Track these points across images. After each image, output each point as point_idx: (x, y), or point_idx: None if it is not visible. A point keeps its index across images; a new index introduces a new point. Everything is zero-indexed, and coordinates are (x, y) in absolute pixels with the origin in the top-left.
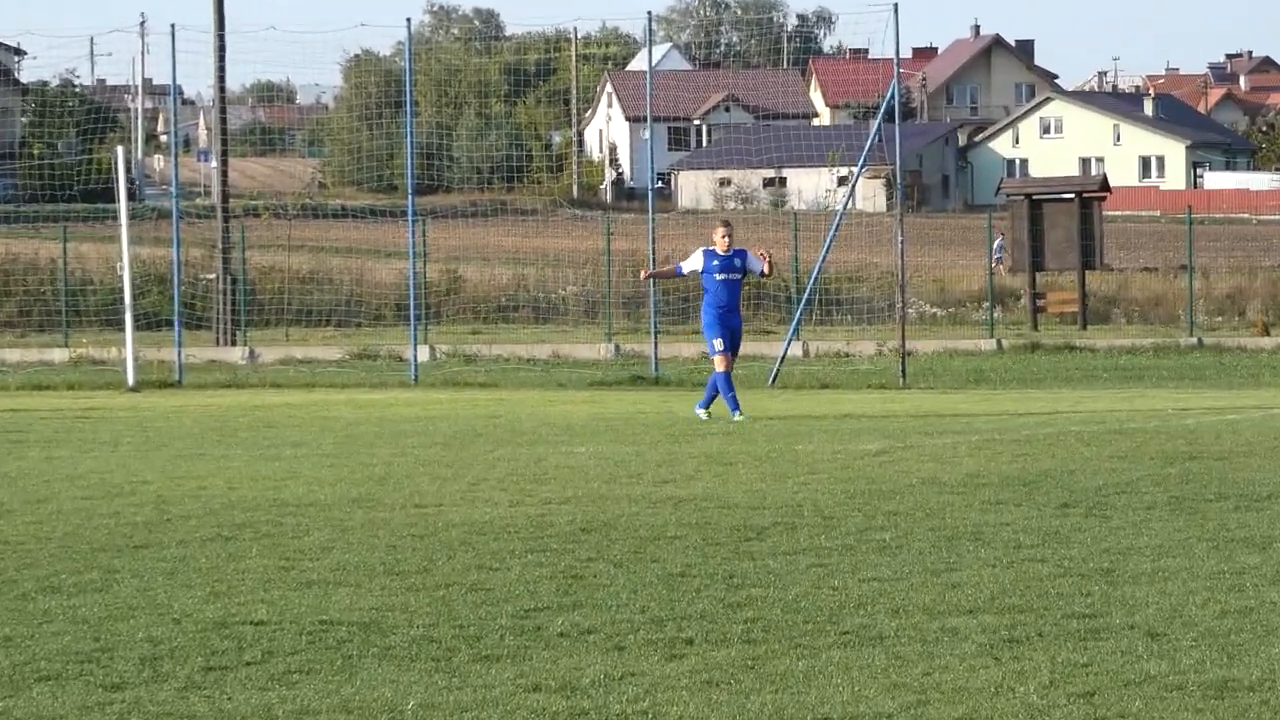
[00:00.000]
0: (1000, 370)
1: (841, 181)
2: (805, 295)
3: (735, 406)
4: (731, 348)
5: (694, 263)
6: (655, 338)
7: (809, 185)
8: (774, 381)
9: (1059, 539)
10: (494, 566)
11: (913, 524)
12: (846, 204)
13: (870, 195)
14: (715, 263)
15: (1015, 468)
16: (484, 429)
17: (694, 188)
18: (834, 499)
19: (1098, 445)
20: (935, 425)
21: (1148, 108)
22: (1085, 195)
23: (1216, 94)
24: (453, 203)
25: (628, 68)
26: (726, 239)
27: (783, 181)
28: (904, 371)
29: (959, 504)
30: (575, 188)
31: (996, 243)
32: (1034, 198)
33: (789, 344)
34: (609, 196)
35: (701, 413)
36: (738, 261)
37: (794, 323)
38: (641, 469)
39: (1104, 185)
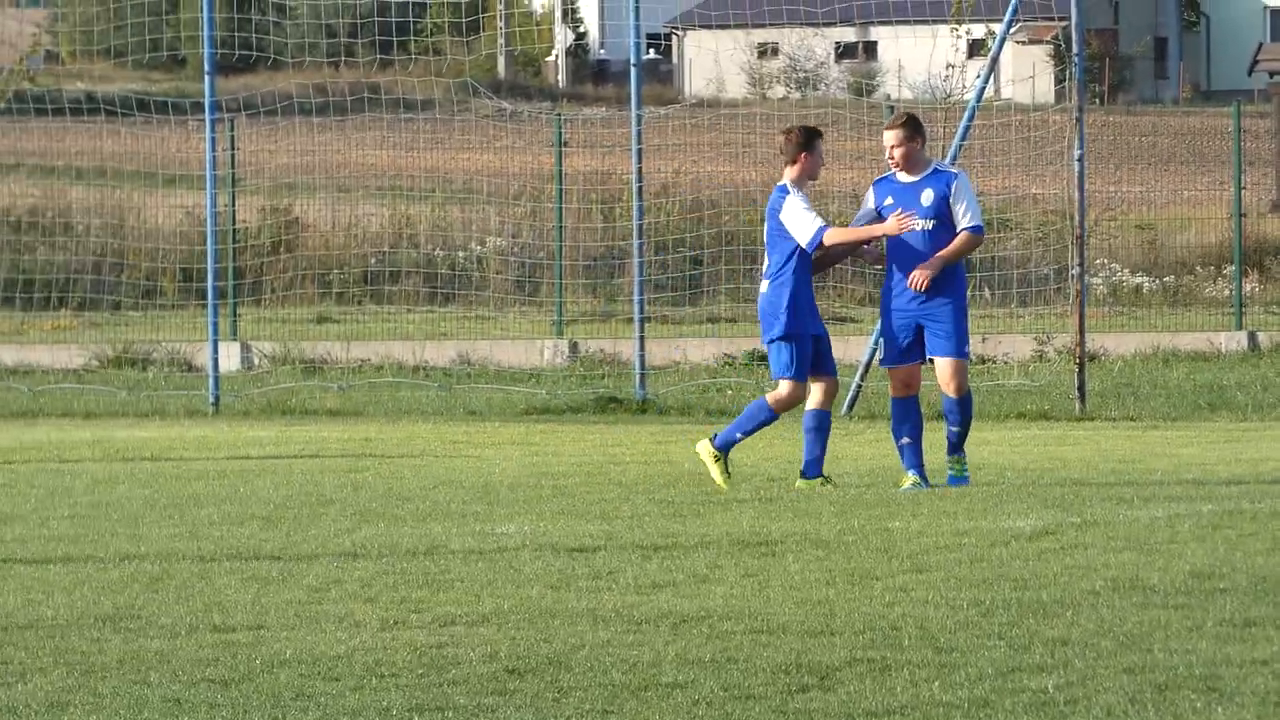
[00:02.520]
0: (1255, 387)
1: (975, 50)
2: None
3: (909, 464)
4: (932, 348)
5: (867, 204)
6: (641, 329)
7: (917, 56)
8: (852, 407)
9: None
10: None
11: (1095, 661)
12: (982, 90)
13: (1026, 75)
14: (888, 200)
15: (1277, 562)
16: (337, 493)
17: (712, 61)
18: (956, 617)
19: None
20: (1136, 487)
21: None
22: None
23: None
24: (284, 88)
25: None
26: (901, 148)
27: (870, 50)
28: (1082, 390)
29: (1178, 626)
30: (502, 61)
31: None
32: None
33: (876, 341)
34: (562, 78)
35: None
36: (931, 194)
37: None
38: (618, 564)
39: None
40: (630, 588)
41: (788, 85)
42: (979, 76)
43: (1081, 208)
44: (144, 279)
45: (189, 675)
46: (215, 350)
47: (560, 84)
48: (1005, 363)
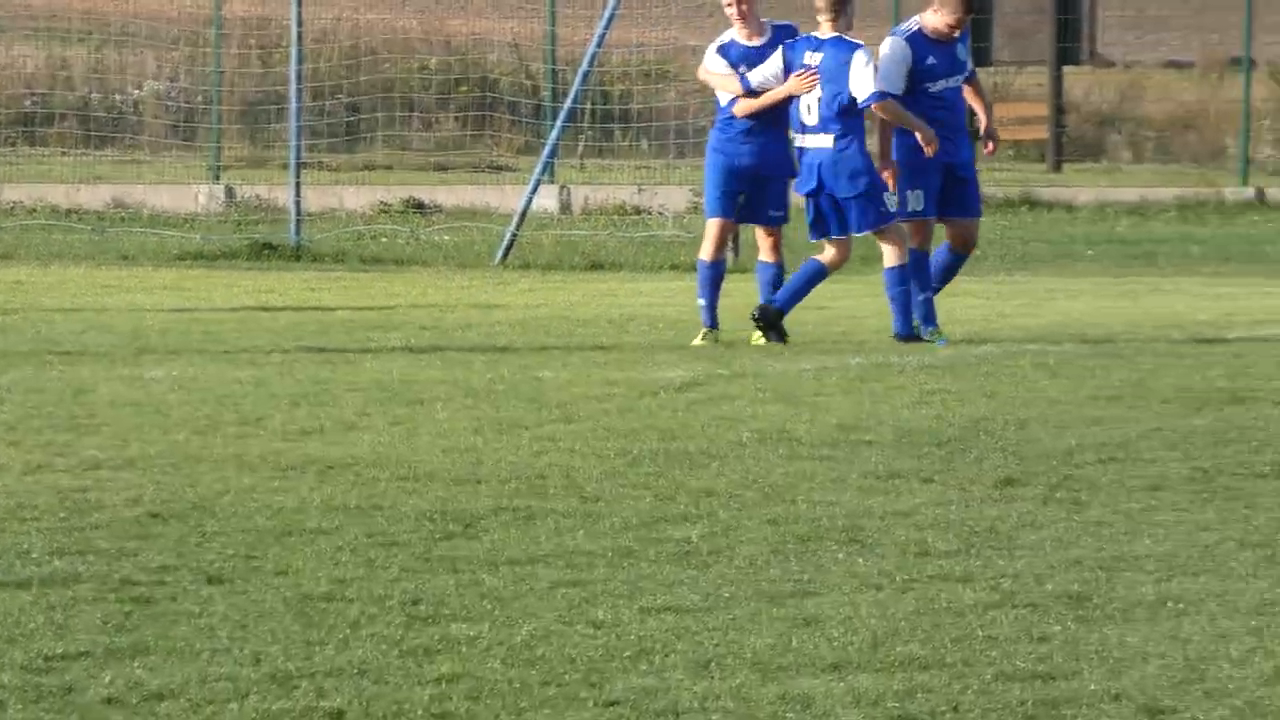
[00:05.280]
0: None
1: None
2: (567, 105)
3: (928, 320)
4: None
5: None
6: (297, 175)
7: None
8: (505, 256)
9: (996, 541)
10: None
11: (739, 512)
12: None
13: None
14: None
15: (922, 415)
16: None
17: None
18: (602, 466)
19: (1071, 377)
20: (788, 340)
21: None
22: None
23: None
24: None
25: None
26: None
27: None
28: (735, 241)
29: (822, 477)
30: None
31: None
32: None
33: (533, 191)
34: None
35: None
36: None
37: (544, 155)
38: (265, 410)
39: None
40: (277, 434)
41: None
42: None
43: None
44: None
45: None
46: None
47: None
48: (660, 214)
